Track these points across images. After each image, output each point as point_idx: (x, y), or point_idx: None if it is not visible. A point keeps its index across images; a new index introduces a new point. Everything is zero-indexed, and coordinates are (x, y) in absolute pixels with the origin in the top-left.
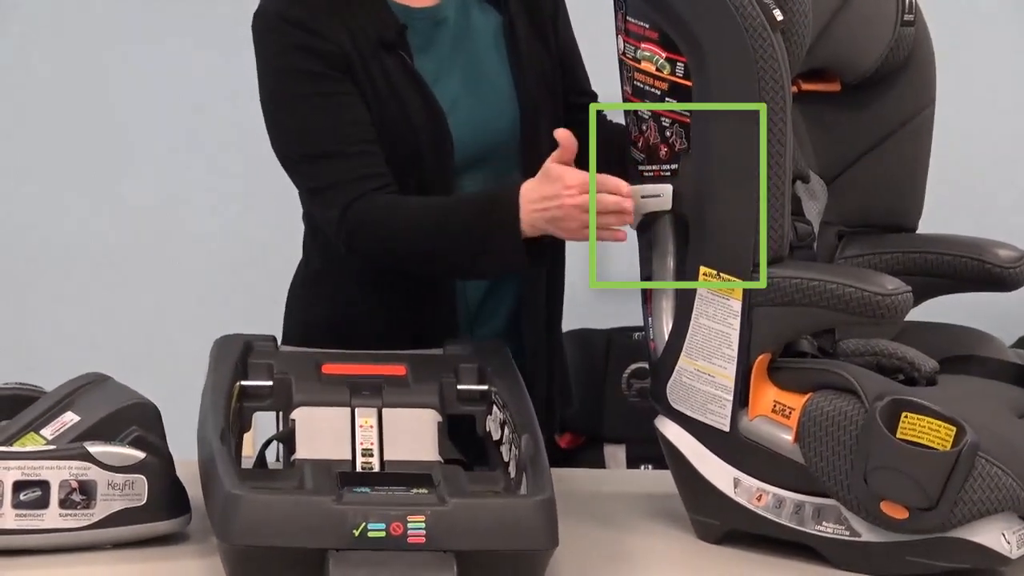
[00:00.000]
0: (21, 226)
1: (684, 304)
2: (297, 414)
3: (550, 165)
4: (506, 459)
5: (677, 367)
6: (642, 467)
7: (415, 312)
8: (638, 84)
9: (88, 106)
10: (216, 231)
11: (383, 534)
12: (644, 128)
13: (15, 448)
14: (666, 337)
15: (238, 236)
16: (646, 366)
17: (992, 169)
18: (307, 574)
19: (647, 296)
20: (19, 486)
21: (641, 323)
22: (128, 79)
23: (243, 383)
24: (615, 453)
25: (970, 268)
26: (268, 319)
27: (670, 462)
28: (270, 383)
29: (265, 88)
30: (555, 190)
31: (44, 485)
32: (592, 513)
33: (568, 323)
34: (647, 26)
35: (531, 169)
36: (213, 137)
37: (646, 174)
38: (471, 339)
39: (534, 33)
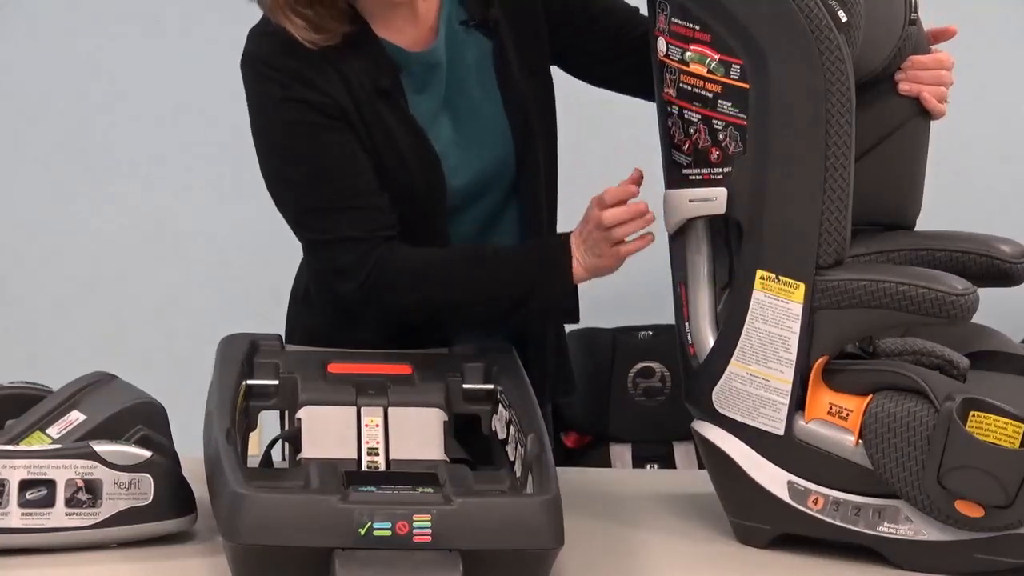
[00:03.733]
0: (24, 226)
1: (737, 308)
2: (303, 413)
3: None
4: (512, 458)
5: (727, 372)
6: (647, 466)
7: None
8: (685, 86)
9: (89, 106)
10: (221, 230)
11: (389, 533)
12: (692, 131)
13: (21, 447)
14: (710, 342)
15: (243, 235)
16: (652, 365)
17: (992, 168)
18: (313, 573)
19: (682, 300)
20: (25, 485)
21: (646, 323)
22: (129, 79)
23: (249, 382)
24: (621, 452)
25: (978, 264)
26: (273, 318)
27: (711, 466)
28: (276, 382)
29: (261, 138)
30: (589, 214)
31: (50, 484)
32: (597, 512)
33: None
34: (696, 28)
35: (527, 195)
36: (215, 136)
37: (692, 177)
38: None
39: (525, 51)
